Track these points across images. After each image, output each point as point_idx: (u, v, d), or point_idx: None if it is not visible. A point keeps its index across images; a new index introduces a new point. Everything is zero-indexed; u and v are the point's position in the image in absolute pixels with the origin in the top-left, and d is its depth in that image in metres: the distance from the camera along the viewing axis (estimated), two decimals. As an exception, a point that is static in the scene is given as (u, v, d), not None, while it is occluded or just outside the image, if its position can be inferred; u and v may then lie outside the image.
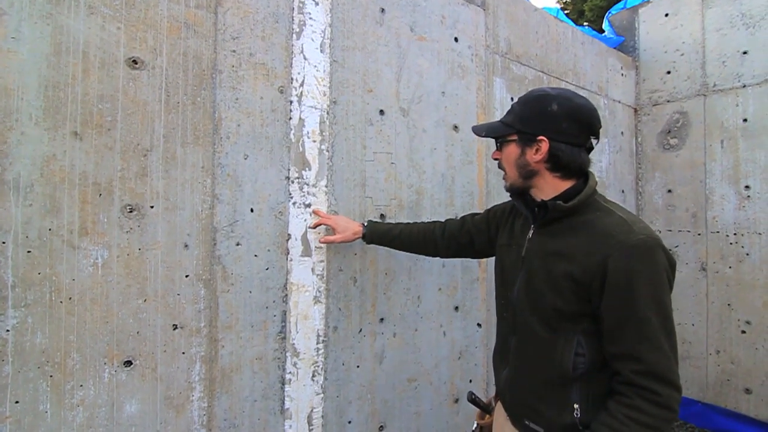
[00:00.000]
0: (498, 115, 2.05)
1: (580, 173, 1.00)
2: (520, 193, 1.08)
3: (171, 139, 1.18)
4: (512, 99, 2.13)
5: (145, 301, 1.13)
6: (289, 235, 1.37)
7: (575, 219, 0.97)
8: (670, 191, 2.87)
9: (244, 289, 1.28)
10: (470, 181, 1.92)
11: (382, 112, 1.62)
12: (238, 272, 1.27)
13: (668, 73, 2.90)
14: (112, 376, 1.09)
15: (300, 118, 1.40)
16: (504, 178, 1.10)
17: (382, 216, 1.60)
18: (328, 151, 1.47)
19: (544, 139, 0.97)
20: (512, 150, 1.04)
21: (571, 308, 0.92)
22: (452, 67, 1.85)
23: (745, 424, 2.51)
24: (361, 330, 1.54)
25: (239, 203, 1.28)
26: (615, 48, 2.96)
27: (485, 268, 1.96)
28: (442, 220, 1.79)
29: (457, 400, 1.84)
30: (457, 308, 1.84)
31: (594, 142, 1.01)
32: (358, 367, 1.53)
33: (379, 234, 1.42)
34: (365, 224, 1.43)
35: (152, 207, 1.14)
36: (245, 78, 1.30)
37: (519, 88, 2.16)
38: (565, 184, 1.00)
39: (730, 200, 2.59)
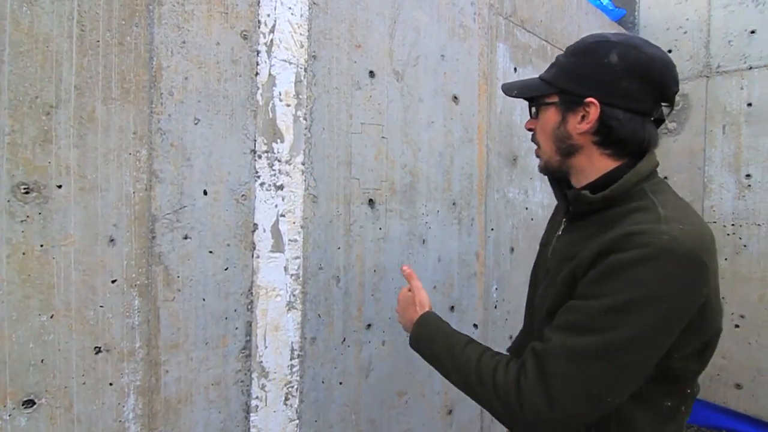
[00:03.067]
0: (500, 86, 1.78)
1: (640, 152, 0.75)
2: (556, 175, 0.85)
3: (87, 92, 0.84)
4: (515, 69, 1.87)
5: (51, 317, 0.82)
6: (255, 225, 1.07)
7: (608, 213, 0.73)
8: (665, 178, 2.72)
9: (195, 296, 0.98)
10: (469, 161, 1.66)
11: (372, 73, 1.32)
12: (186, 274, 0.97)
13: (669, 51, 2.72)
14: (5, 423, 0.78)
15: (270, 75, 1.09)
16: (537, 154, 0.86)
17: (370, 201, 1.32)
18: (305, 118, 1.16)
19: (594, 101, 0.72)
20: (550, 116, 0.79)
21: None
22: (453, 26, 1.57)
23: (733, 420, 2.45)
24: (344, 340, 1.27)
25: (188, 183, 0.96)
26: (616, 22, 2.75)
27: (483, 262, 1.73)
28: (438, 207, 1.54)
29: (450, 412, 1.63)
30: (452, 308, 1.60)
31: (665, 110, 0.76)
32: (340, 383, 1.27)
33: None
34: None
35: (60, 187, 0.82)
36: (195, 15, 0.97)
37: (523, 57, 1.91)
38: (612, 165, 0.76)
39: (730, 189, 2.47)
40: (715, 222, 2.51)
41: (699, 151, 2.58)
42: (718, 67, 2.52)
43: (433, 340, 0.84)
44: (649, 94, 0.72)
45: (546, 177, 0.89)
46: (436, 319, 0.89)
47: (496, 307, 1.80)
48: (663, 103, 0.75)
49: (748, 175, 2.40)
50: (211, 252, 1.00)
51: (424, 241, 1.49)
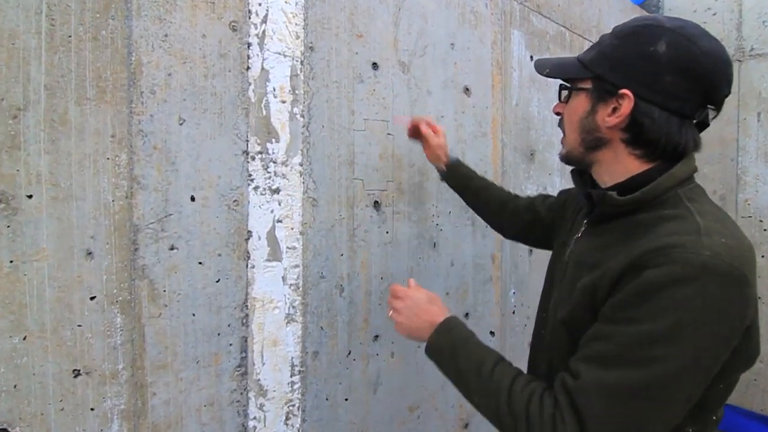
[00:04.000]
0: (516, 76, 1.67)
1: (674, 156, 0.65)
2: (577, 167, 0.77)
3: (59, 92, 0.77)
4: (531, 58, 1.75)
5: (24, 338, 0.75)
6: (249, 232, 0.99)
7: (635, 218, 0.64)
8: (695, 171, 2.56)
9: (184, 312, 0.90)
10: (483, 158, 1.55)
11: (375, 65, 1.22)
12: (173, 288, 0.89)
13: (697, 35, 2.55)
14: (-25, 454, 0.72)
15: (262, 69, 1.00)
16: (561, 142, 0.77)
17: (375, 203, 1.23)
18: (302, 116, 1.07)
19: (629, 94, 0.63)
20: (580, 103, 0.70)
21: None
22: (463, 12, 1.46)
23: (772, 428, 2.28)
24: (350, 353, 1.18)
25: (173, 189, 0.89)
26: (639, 5, 2.58)
27: (499, 265, 1.62)
28: (450, 207, 1.44)
29: (466, 425, 1.53)
30: (467, 315, 1.50)
31: (711, 114, 0.64)
32: (346, 400, 1.18)
33: (462, 175, 1.17)
34: (451, 158, 1.18)
35: (30, 197, 0.75)
36: (178, 5, 0.89)
37: (539, 44, 1.78)
38: (642, 167, 0.66)
39: (766, 181, 2.29)
40: (750, 216, 2.35)
41: (731, 140, 2.41)
42: (752, 50, 2.34)
43: (457, 352, 0.71)
44: (695, 95, 0.62)
45: (568, 173, 0.81)
46: (461, 326, 0.76)
47: (514, 312, 1.69)
48: (709, 106, 0.64)
49: (786, 166, 2.23)
50: (200, 263, 0.92)
51: (435, 244, 1.39)
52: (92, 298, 0.80)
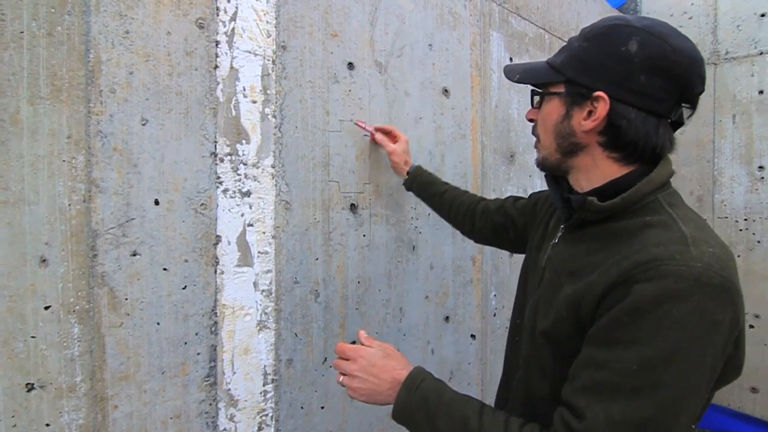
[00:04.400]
0: (495, 78, 1.66)
1: (652, 158, 0.64)
2: (554, 173, 0.75)
3: (9, 90, 0.73)
4: (511, 60, 1.75)
5: (-29, 351, 0.70)
6: (218, 237, 0.96)
7: (615, 225, 0.63)
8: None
9: (147, 321, 0.87)
10: (463, 160, 1.54)
11: (351, 65, 1.20)
12: (136, 296, 0.85)
13: (674, 38, 2.59)
14: None
15: (231, 68, 0.97)
16: (536, 148, 0.75)
17: (352, 206, 1.20)
18: (274, 116, 1.04)
19: (603, 96, 0.61)
20: (553, 108, 0.69)
21: (570, 351, 0.61)
22: (441, 13, 1.45)
23: (749, 425, 2.32)
24: (326, 360, 1.15)
25: (135, 192, 0.85)
26: (617, 8, 2.61)
27: (480, 267, 1.61)
28: (429, 210, 1.42)
29: (447, 430, 1.51)
30: (447, 318, 1.49)
31: (686, 113, 0.63)
32: (322, 408, 1.15)
33: (423, 182, 1.21)
34: (412, 166, 1.23)
35: (-23, 201, 0.71)
36: (141, 1, 0.85)
37: (518, 46, 1.78)
38: (620, 171, 0.65)
39: (742, 182, 2.33)
40: (726, 217, 2.38)
41: (708, 142, 2.45)
42: (727, 53, 2.39)
43: (433, 411, 0.63)
44: (670, 94, 0.61)
45: (545, 175, 0.78)
46: (429, 378, 0.68)
47: (495, 315, 1.68)
48: (684, 104, 0.63)
49: (760, 167, 2.27)
50: (165, 269, 0.88)
51: (414, 247, 1.37)
52: (47, 308, 0.76)
